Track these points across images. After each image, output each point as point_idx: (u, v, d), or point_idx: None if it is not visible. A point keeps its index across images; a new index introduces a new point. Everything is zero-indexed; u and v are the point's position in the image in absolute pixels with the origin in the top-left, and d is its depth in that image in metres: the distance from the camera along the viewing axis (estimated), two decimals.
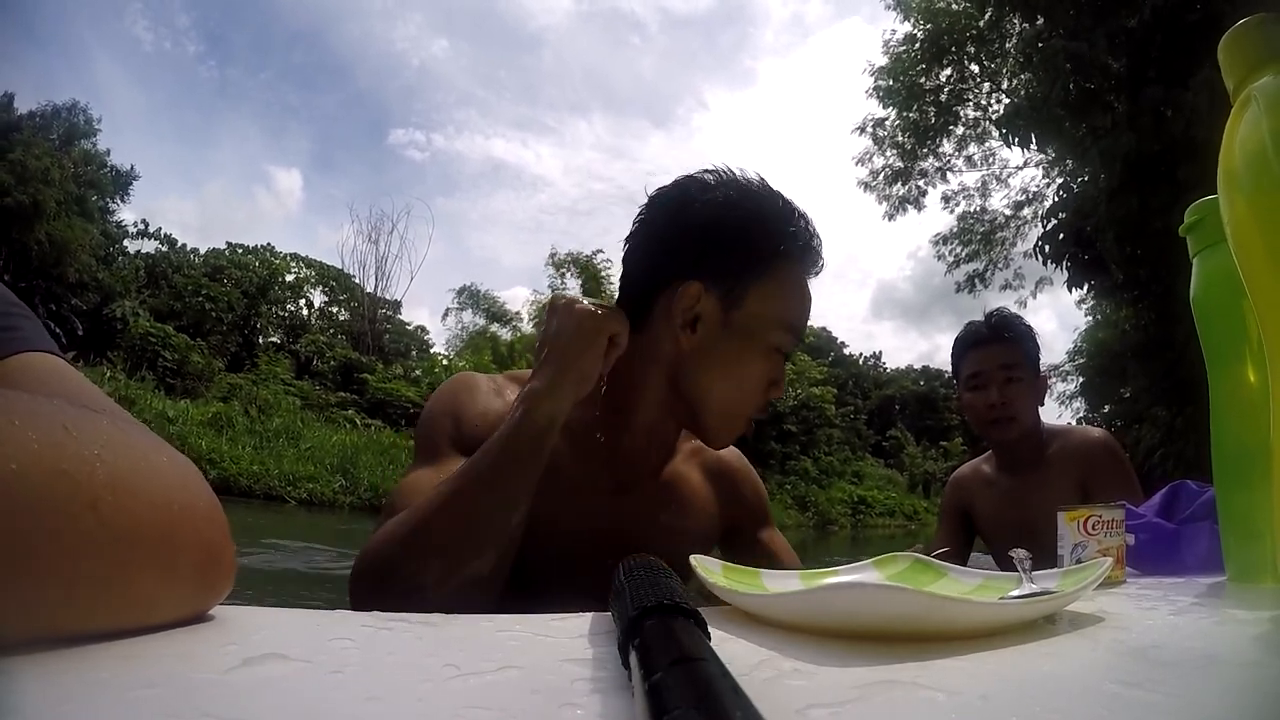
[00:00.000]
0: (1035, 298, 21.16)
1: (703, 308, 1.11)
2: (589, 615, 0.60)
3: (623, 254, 1.21)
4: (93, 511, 0.43)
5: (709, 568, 0.79)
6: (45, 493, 0.41)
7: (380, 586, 0.89)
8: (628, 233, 1.20)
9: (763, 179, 1.18)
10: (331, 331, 31.40)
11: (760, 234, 1.13)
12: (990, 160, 20.67)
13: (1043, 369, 2.23)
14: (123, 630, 0.45)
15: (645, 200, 1.20)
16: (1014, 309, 2.33)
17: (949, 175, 21.09)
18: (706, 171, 1.17)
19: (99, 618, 0.44)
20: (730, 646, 0.53)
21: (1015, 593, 0.72)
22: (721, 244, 1.11)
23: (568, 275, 34.22)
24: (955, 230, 21.76)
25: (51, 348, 0.71)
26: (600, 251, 33.39)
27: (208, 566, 0.52)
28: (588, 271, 33.85)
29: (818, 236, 1.19)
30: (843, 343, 48.02)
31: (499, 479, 0.93)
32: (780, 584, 0.82)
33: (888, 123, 20.54)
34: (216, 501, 0.54)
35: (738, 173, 1.17)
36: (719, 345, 1.11)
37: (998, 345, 2.17)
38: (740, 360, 1.13)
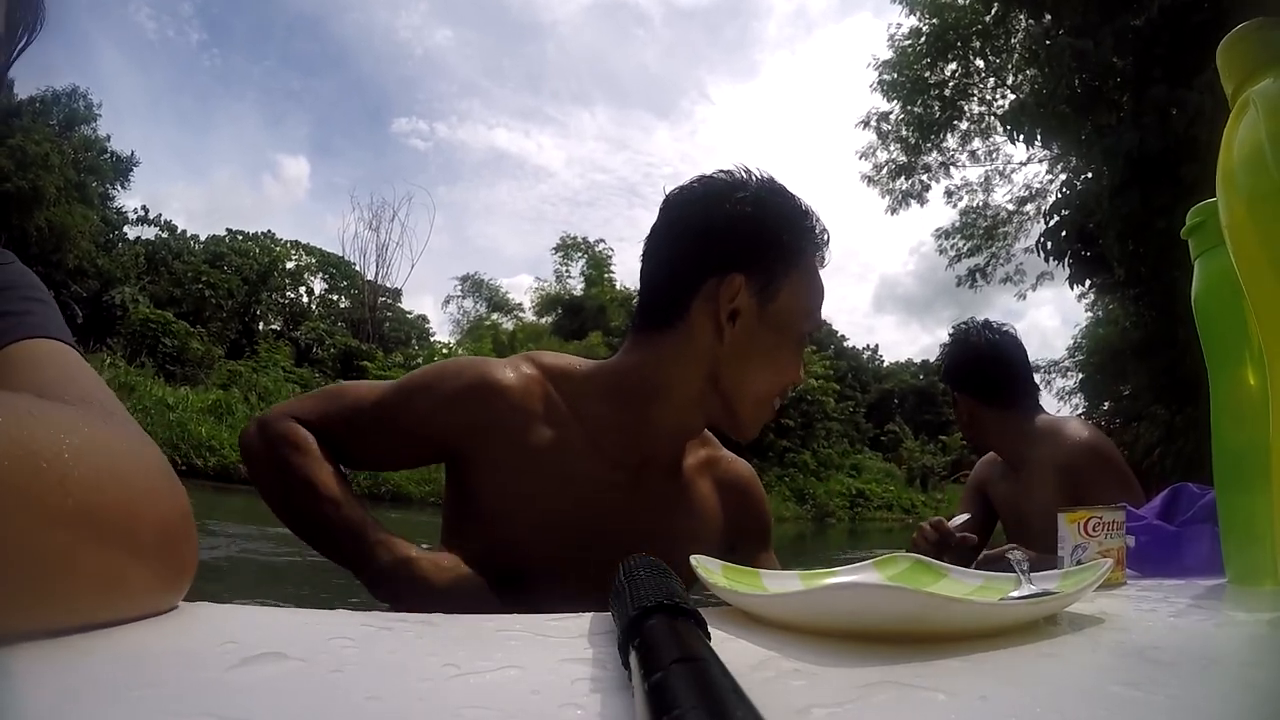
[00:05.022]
0: (1035, 290, 21.22)
1: (741, 302, 1.15)
2: (589, 615, 0.59)
3: (643, 253, 1.24)
4: (59, 487, 0.43)
5: (709, 568, 0.79)
6: (9, 468, 0.41)
7: (259, 466, 1.12)
8: (649, 232, 1.23)
9: (773, 177, 1.22)
10: (332, 319, 31.40)
11: (791, 230, 1.19)
12: (994, 155, 20.72)
13: (1038, 363, 2.30)
14: (90, 610, 0.46)
15: (665, 200, 1.23)
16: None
17: (952, 170, 21.12)
18: (722, 172, 1.21)
19: (64, 595, 0.44)
20: (730, 646, 0.53)
21: (1015, 594, 0.72)
22: (759, 240, 1.16)
23: (573, 260, 34.27)
24: (958, 225, 21.80)
25: (59, 334, 0.72)
26: (602, 240, 33.45)
27: (170, 546, 0.53)
28: (591, 256, 33.88)
29: (827, 230, 1.24)
30: (843, 336, 48.01)
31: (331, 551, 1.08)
32: (780, 584, 0.82)
33: (892, 117, 20.57)
34: (181, 489, 0.56)
35: (754, 172, 1.21)
36: (757, 336, 1.16)
37: (950, 391, 2.39)
38: (776, 350, 1.19)
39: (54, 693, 0.36)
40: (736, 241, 1.16)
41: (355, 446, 1.16)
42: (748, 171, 1.21)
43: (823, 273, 1.25)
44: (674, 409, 1.19)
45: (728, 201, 1.17)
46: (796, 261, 1.19)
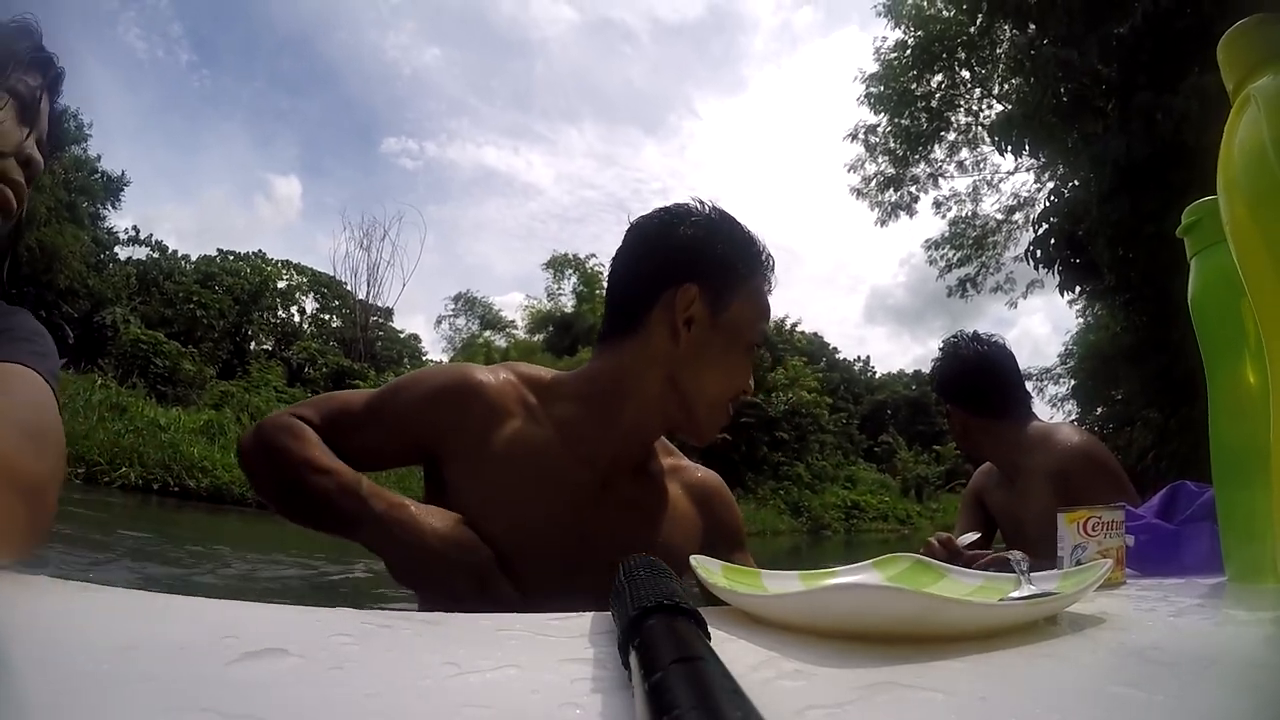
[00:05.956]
0: (1025, 299, 21.32)
1: (695, 310, 1.25)
2: (589, 615, 0.60)
3: (609, 270, 1.37)
4: None
5: (709, 568, 0.79)
6: None
7: (255, 459, 1.20)
8: (615, 251, 1.35)
9: (723, 209, 1.36)
10: (323, 339, 31.34)
11: (740, 251, 1.32)
12: (981, 166, 20.80)
13: (1030, 371, 2.34)
14: None
15: (629, 225, 1.36)
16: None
17: (940, 181, 21.20)
18: (679, 203, 1.35)
19: None
20: (730, 646, 0.53)
21: (1015, 594, 0.72)
22: (711, 256, 1.28)
23: (564, 278, 34.29)
24: (947, 235, 21.87)
25: (33, 364, 0.86)
26: (594, 256, 33.47)
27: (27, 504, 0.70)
28: (581, 272, 33.89)
29: (772, 257, 1.37)
30: (835, 348, 48.09)
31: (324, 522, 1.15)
32: (781, 584, 0.82)
33: (879, 129, 20.64)
34: (42, 473, 0.74)
35: (708, 202, 1.34)
36: (711, 342, 1.27)
37: (944, 404, 2.45)
38: (728, 355, 1.29)
39: (53, 687, 0.36)
40: (691, 257, 1.27)
41: (344, 443, 1.21)
42: (702, 202, 1.34)
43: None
44: (637, 409, 1.28)
45: (683, 224, 1.30)
46: (745, 278, 1.31)
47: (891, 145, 20.70)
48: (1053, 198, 12.72)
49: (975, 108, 19.46)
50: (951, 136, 20.30)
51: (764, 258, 1.34)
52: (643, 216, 1.36)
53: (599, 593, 0.56)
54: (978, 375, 2.31)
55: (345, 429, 1.23)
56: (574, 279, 34.43)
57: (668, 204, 1.36)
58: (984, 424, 2.28)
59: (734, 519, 1.47)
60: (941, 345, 2.48)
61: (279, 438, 1.18)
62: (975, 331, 2.41)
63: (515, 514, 1.17)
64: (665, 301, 1.26)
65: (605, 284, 1.38)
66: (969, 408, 2.31)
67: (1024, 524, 2.16)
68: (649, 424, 1.31)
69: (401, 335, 35.74)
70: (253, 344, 29.11)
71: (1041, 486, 2.07)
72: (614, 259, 1.36)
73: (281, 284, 31.68)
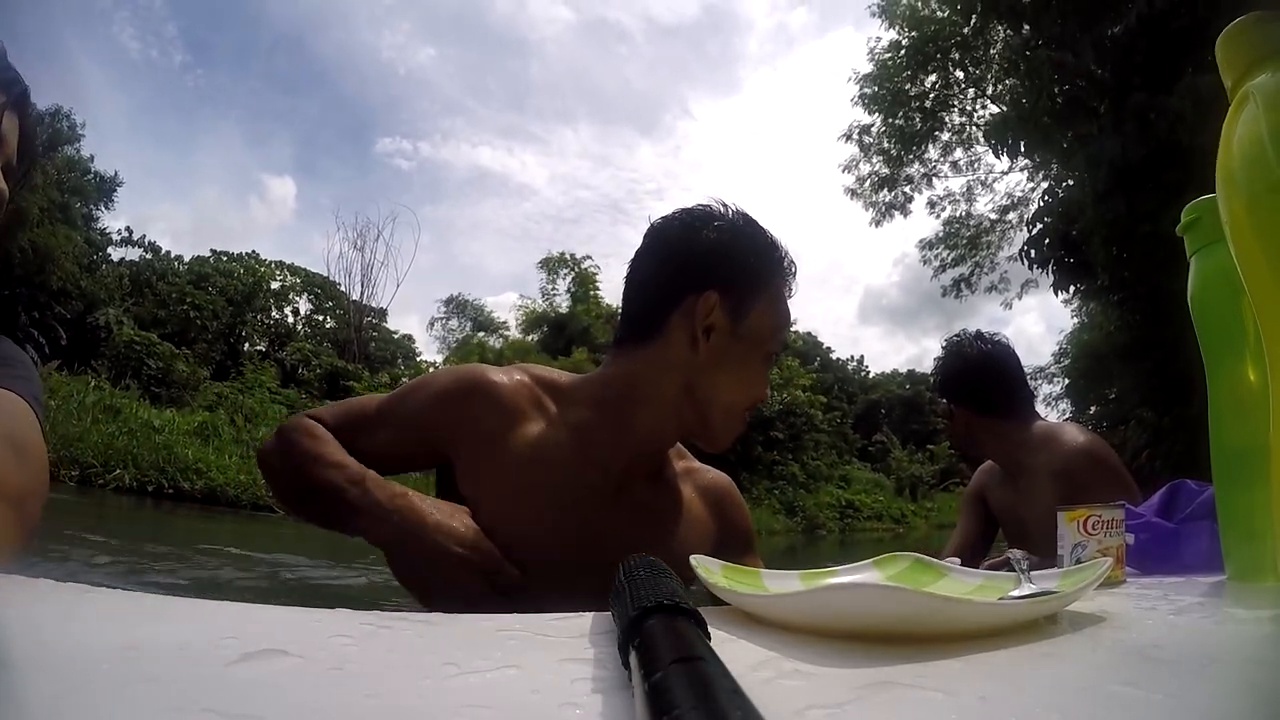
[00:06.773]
0: (1020, 299, 21.35)
1: (715, 318, 1.24)
2: (589, 615, 0.60)
3: (627, 273, 1.33)
4: None
5: (709, 568, 0.79)
6: None
7: (272, 460, 1.24)
8: (634, 254, 1.33)
9: (747, 212, 1.34)
10: (317, 339, 31.22)
11: (762, 258, 1.30)
12: (975, 165, 20.81)
13: (1026, 370, 2.35)
14: None
15: (649, 226, 1.34)
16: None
17: (934, 181, 21.22)
18: (701, 205, 1.33)
19: None
20: (730, 646, 0.53)
21: (1015, 593, 0.72)
22: (733, 263, 1.26)
23: (559, 278, 34.26)
24: (941, 235, 21.89)
25: (16, 388, 0.89)
26: (589, 257, 33.44)
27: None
28: (576, 272, 33.86)
29: (794, 263, 1.36)
30: (829, 348, 48.03)
31: (323, 513, 1.18)
32: (781, 584, 0.82)
33: (873, 129, 20.64)
34: (24, 484, 0.80)
35: (730, 205, 1.32)
36: (729, 350, 1.25)
37: (947, 404, 2.45)
38: (745, 364, 1.28)
39: (54, 688, 0.36)
40: (713, 263, 1.25)
41: (359, 444, 1.22)
42: (725, 205, 1.32)
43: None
44: (653, 416, 1.27)
45: (706, 228, 1.28)
46: (766, 285, 1.29)
47: (886, 145, 20.70)
48: (1046, 198, 12.73)
49: (969, 108, 19.48)
50: (945, 136, 20.33)
51: (786, 264, 1.33)
52: (663, 219, 1.34)
53: (606, 595, 0.56)
54: (982, 374, 2.31)
55: (359, 431, 1.24)
56: (569, 279, 34.40)
57: (689, 205, 1.33)
58: (988, 423, 2.28)
59: (745, 521, 1.46)
60: (944, 345, 2.49)
61: (293, 436, 1.21)
62: (979, 330, 2.41)
63: (527, 515, 1.17)
64: (685, 308, 1.24)
65: (600, 284, 1.37)
66: (973, 407, 2.31)
67: (1027, 523, 2.17)
68: (664, 430, 1.30)
69: (396, 336, 35.61)
70: (246, 345, 28.97)
71: (1045, 485, 2.07)
72: (632, 262, 1.34)
73: (275, 285, 31.52)
